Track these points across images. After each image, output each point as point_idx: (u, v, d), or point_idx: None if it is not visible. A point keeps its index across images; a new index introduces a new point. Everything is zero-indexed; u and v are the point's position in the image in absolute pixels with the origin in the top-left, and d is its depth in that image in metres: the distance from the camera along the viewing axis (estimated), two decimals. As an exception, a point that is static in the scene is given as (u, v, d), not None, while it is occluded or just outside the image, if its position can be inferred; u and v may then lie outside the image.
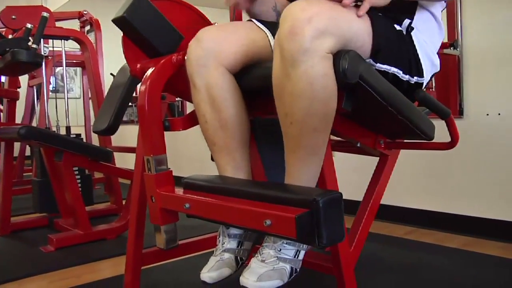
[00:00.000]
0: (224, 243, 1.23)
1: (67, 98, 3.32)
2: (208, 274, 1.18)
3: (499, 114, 2.17)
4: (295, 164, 1.06)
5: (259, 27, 1.33)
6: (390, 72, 1.16)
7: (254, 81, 1.25)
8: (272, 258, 1.08)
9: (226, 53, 1.23)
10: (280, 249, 1.09)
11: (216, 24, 1.52)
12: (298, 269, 1.12)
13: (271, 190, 1.03)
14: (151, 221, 1.26)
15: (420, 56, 1.20)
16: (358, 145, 1.37)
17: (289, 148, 1.06)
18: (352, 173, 2.35)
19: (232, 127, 1.23)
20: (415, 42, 1.20)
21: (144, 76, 1.27)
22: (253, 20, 1.37)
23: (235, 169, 1.25)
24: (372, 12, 1.12)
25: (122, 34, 1.36)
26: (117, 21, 1.31)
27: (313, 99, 0.98)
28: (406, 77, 1.19)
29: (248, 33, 1.30)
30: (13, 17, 2.55)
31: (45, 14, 2.19)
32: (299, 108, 0.99)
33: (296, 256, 1.11)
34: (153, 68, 1.26)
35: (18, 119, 3.34)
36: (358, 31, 1.06)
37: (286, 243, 1.09)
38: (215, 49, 1.22)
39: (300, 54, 0.95)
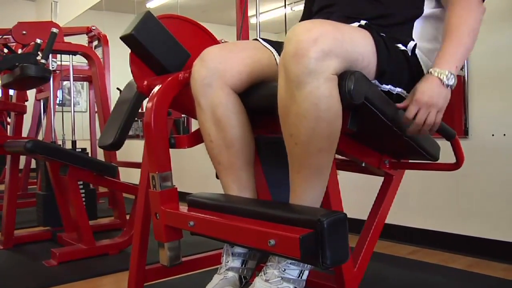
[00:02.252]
0: (228, 261, 1.23)
1: (74, 112, 3.34)
2: (211, 292, 1.18)
3: (504, 134, 2.16)
4: (300, 184, 1.06)
5: (265, 46, 1.33)
6: (394, 92, 1.16)
7: (258, 100, 1.24)
8: (276, 278, 1.08)
9: (231, 72, 1.21)
10: (285, 269, 1.08)
11: (222, 41, 1.53)
12: (302, 289, 1.11)
13: (276, 210, 1.03)
14: (155, 238, 1.26)
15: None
16: (363, 164, 1.37)
17: (294, 168, 1.06)
18: (356, 192, 2.34)
19: (237, 147, 1.22)
20: (421, 63, 1.20)
21: (151, 94, 1.27)
22: (259, 39, 1.37)
23: (240, 188, 1.24)
24: (375, 32, 1.12)
25: (129, 51, 1.37)
26: (125, 39, 1.33)
27: (318, 120, 0.97)
28: (410, 96, 1.18)
29: (253, 52, 1.29)
30: (24, 32, 2.58)
31: (54, 30, 2.22)
32: (304, 128, 0.99)
33: (300, 276, 1.10)
34: (160, 86, 1.27)
35: (25, 133, 3.35)
36: (363, 52, 1.06)
37: (291, 263, 1.09)
38: (220, 68, 1.21)
39: (305, 75, 0.95)
